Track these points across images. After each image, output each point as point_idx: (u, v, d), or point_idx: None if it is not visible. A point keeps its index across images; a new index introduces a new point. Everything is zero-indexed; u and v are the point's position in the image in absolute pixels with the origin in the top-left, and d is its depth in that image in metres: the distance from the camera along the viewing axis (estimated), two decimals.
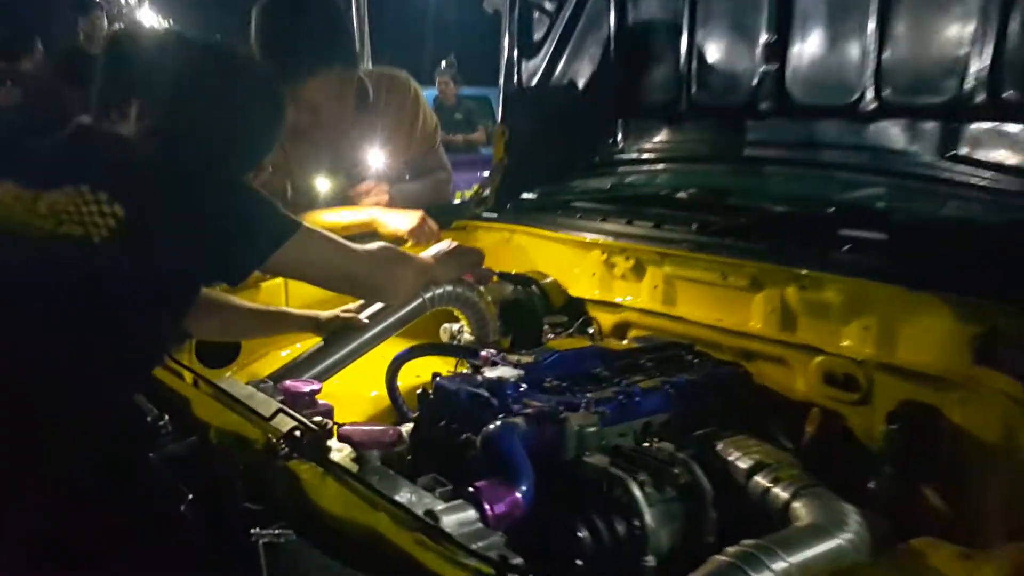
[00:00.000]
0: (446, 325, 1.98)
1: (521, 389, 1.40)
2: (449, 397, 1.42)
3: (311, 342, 1.78)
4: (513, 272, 2.06)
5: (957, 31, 1.49)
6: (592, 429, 1.27)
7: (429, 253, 1.79)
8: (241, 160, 1.42)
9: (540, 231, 2.04)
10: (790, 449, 1.41)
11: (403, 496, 1.02)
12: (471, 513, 0.98)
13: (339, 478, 1.06)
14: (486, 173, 2.42)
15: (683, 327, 1.81)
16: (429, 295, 1.78)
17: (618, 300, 1.95)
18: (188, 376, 1.46)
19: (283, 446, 1.14)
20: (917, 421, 1.35)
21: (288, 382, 1.47)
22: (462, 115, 7.31)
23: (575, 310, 2.04)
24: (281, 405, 1.25)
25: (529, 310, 2.01)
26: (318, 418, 1.21)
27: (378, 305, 1.75)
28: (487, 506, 1.01)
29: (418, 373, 1.73)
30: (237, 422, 1.25)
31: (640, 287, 1.89)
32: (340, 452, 1.14)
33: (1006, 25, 1.43)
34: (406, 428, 1.45)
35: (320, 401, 1.48)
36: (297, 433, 1.15)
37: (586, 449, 1.25)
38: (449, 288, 1.80)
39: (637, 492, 1.12)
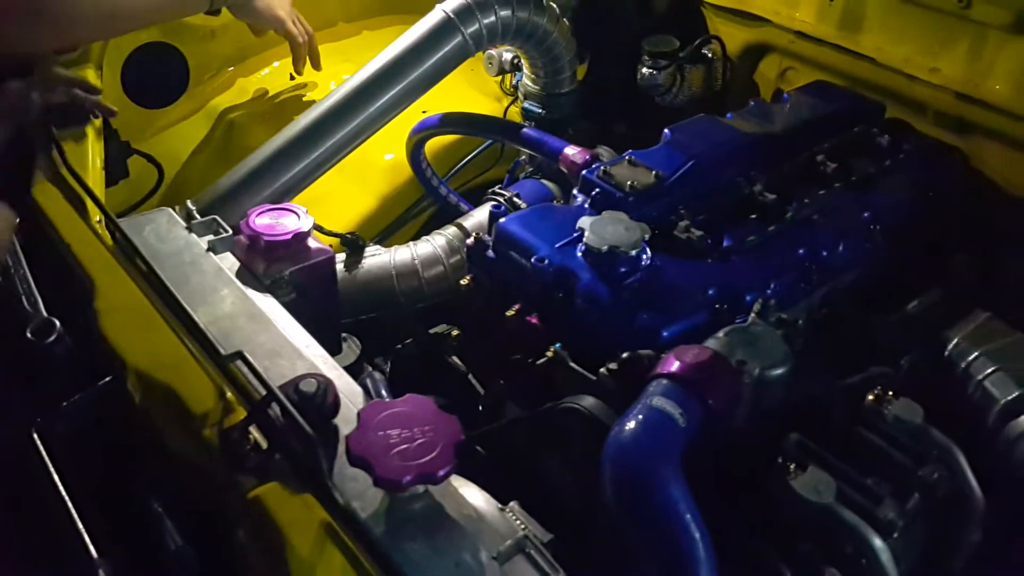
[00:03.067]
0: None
1: (644, 261, 0.83)
2: (515, 268, 0.87)
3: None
4: None
5: None
6: (780, 371, 0.73)
7: None
8: None
9: None
10: None
11: None
12: None
13: (344, 552, 0.58)
14: None
15: (869, 70, 1.16)
16: (473, 28, 1.10)
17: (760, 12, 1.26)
18: (95, 213, 0.90)
19: (248, 454, 0.64)
20: None
21: (255, 218, 0.89)
22: None
23: (687, 19, 1.35)
24: (244, 362, 0.71)
25: (619, 21, 1.32)
26: (316, 385, 0.68)
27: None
28: None
29: None
30: (173, 365, 0.72)
31: None
32: (353, 481, 0.63)
33: None
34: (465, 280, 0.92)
35: (315, 246, 0.92)
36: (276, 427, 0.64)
37: (765, 408, 0.73)
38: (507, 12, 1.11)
39: (878, 547, 0.63)
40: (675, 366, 0.69)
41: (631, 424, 0.64)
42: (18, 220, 0.87)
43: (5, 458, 0.73)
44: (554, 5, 1.20)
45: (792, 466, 0.67)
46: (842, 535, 0.64)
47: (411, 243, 1.12)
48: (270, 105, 1.41)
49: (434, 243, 1.12)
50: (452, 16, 1.09)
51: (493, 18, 1.10)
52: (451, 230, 1.14)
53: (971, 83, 1.07)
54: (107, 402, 0.73)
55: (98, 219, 0.90)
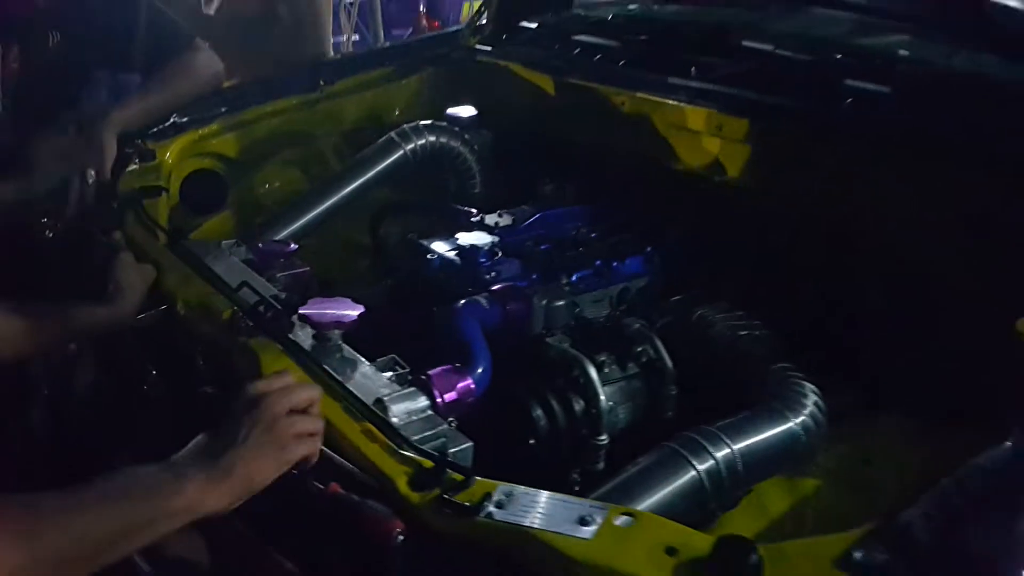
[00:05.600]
0: None
1: (496, 257, 1.38)
2: (423, 263, 1.41)
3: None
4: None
5: None
6: (560, 303, 1.26)
7: None
8: None
9: (534, 74, 1.92)
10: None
11: (358, 381, 1.03)
12: (421, 402, 0.99)
13: (298, 360, 1.08)
14: None
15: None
16: (411, 146, 1.72)
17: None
18: (162, 236, 1.46)
19: (245, 322, 1.15)
20: None
21: (262, 244, 1.45)
22: None
23: None
24: (249, 276, 1.25)
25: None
26: (285, 294, 1.21)
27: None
28: (438, 394, 1.02)
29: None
30: (204, 293, 1.25)
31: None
32: (302, 329, 1.14)
33: None
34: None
35: (297, 263, 1.47)
36: (260, 308, 1.15)
37: (554, 324, 1.25)
38: (431, 138, 1.74)
39: (593, 373, 1.12)
40: (496, 287, 1.22)
41: (463, 302, 1.17)
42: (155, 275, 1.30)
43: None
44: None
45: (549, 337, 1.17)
46: (571, 365, 1.13)
47: None
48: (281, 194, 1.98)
49: None
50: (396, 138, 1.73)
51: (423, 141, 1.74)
52: None
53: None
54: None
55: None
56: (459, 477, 0.84)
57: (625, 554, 0.72)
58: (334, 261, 1.71)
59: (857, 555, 0.67)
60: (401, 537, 0.79)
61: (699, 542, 0.71)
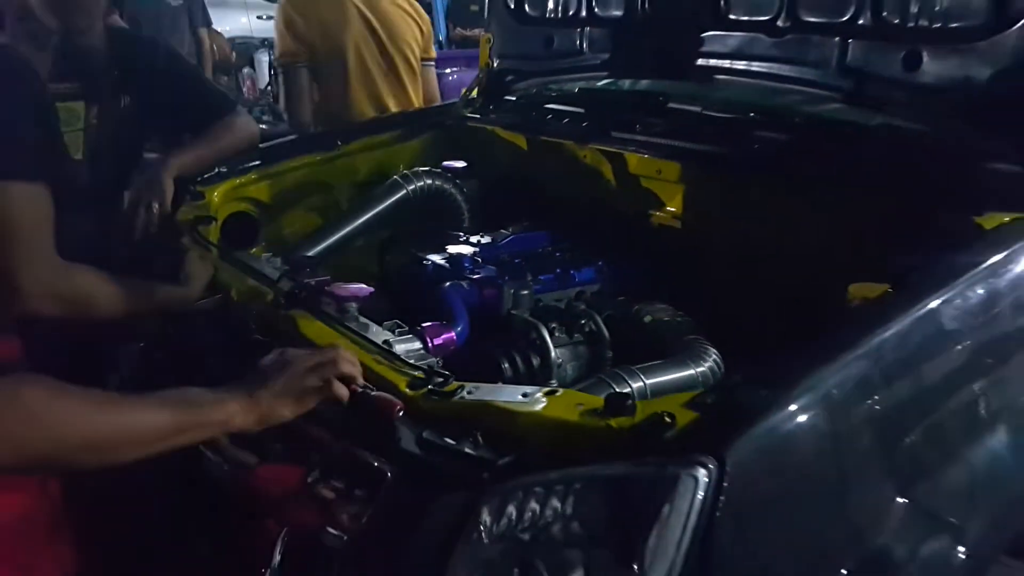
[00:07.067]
0: None
1: (477, 263, 1.77)
2: (419, 268, 1.80)
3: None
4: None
5: None
6: (525, 292, 1.63)
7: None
8: None
9: (512, 134, 2.35)
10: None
11: (370, 333, 1.40)
12: (416, 344, 1.36)
13: (326, 322, 1.45)
14: None
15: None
16: (412, 186, 2.14)
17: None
18: (215, 251, 1.85)
19: (285, 301, 1.53)
20: None
21: (292, 257, 1.84)
22: (478, 7, 7.40)
23: None
24: (285, 272, 1.63)
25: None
26: (313, 281, 1.59)
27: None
28: (428, 339, 1.39)
29: None
30: (252, 284, 1.63)
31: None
32: (328, 305, 1.51)
33: None
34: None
35: (321, 272, 1.85)
36: (296, 291, 1.53)
37: (519, 306, 1.62)
38: (429, 181, 2.15)
39: (546, 335, 1.49)
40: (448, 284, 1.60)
41: (448, 283, 1.55)
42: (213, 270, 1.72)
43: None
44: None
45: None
46: (529, 329, 1.50)
47: None
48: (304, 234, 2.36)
49: None
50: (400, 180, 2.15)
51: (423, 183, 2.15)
52: None
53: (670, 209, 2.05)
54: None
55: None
56: (440, 379, 1.20)
57: (550, 409, 1.08)
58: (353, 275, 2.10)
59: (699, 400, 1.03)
60: (401, 412, 1.14)
61: (598, 401, 1.07)
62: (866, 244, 1.57)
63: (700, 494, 0.91)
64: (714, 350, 1.51)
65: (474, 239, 1.90)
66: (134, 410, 1.06)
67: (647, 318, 1.67)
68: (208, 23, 5.27)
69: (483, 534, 1.00)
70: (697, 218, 1.97)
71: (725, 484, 0.91)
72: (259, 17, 10.22)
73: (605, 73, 2.34)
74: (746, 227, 1.82)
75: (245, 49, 8.02)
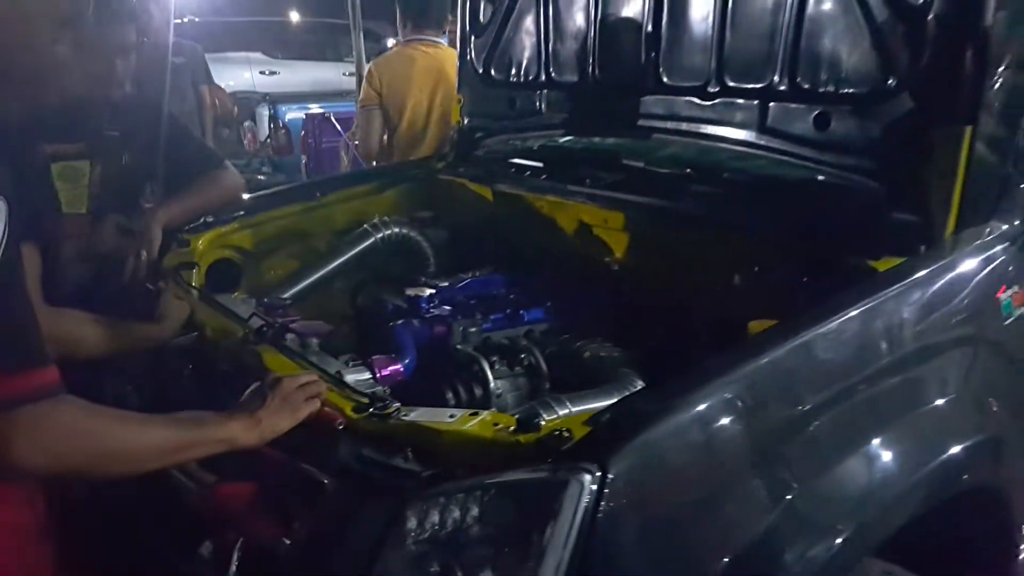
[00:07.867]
0: None
1: (434, 303, 1.94)
2: (383, 308, 1.97)
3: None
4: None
5: (769, 31, 1.95)
6: (473, 329, 1.80)
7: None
8: None
9: (478, 186, 2.55)
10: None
11: (326, 364, 1.57)
12: (365, 374, 1.53)
13: (288, 355, 1.61)
14: None
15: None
16: (380, 235, 2.32)
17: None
18: (195, 293, 2.03)
19: (253, 337, 1.70)
20: None
21: (266, 299, 2.02)
22: None
23: None
24: (256, 312, 1.81)
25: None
26: (279, 321, 1.76)
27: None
28: (376, 370, 1.56)
29: None
30: (226, 322, 1.80)
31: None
32: (293, 341, 1.68)
33: (800, 26, 1.89)
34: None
35: (292, 312, 2.02)
36: (263, 328, 1.70)
37: (467, 343, 1.79)
38: (396, 229, 2.34)
39: (486, 367, 1.66)
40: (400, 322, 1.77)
41: (401, 322, 1.72)
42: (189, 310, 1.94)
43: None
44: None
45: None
46: (472, 362, 1.66)
47: None
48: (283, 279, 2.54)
49: None
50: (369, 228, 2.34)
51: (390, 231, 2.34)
52: None
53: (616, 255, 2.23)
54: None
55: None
56: (381, 403, 1.36)
57: (470, 427, 1.24)
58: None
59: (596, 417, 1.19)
60: (342, 425, 1.31)
61: (511, 420, 1.23)
62: (779, 286, 1.74)
63: (586, 497, 1.07)
64: (640, 380, 1.67)
65: (434, 283, 2.07)
66: (155, 427, 1.23)
67: (586, 353, 1.83)
68: (210, 81, 5.53)
69: (409, 537, 1.15)
70: (638, 263, 2.16)
71: (606, 490, 1.07)
72: (261, 72, 10.63)
73: (562, 131, 2.55)
74: (679, 271, 2.00)
75: (247, 103, 8.30)
